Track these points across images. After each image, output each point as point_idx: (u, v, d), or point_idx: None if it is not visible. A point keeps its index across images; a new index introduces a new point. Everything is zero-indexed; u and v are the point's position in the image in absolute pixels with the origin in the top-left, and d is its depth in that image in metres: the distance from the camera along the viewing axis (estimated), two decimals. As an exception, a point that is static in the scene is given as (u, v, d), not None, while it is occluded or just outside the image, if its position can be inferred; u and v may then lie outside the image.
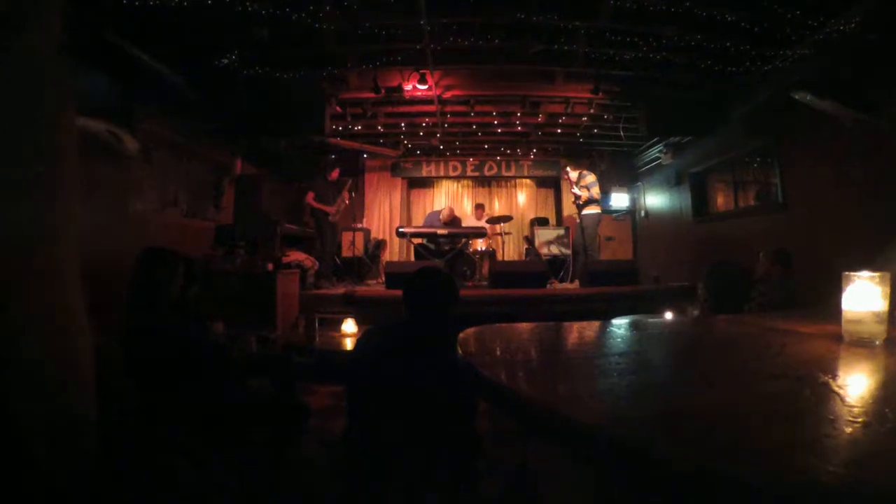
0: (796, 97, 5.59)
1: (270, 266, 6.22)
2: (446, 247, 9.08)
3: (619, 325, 2.12)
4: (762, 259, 4.39)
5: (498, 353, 1.45)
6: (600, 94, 7.63)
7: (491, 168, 12.09)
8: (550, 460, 2.21)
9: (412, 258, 9.87)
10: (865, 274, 1.29)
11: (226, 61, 6.13)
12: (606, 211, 10.28)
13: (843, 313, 1.33)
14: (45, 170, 1.38)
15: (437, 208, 9.72)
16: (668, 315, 4.77)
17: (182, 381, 2.55)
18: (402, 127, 9.71)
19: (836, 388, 0.93)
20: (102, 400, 1.53)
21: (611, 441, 0.73)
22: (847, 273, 1.32)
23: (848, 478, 0.57)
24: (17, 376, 1.31)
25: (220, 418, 2.58)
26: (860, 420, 0.74)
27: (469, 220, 10.57)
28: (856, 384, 1.03)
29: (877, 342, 1.27)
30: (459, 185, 12.93)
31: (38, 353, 1.37)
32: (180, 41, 5.55)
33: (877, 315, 1.27)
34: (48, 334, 1.40)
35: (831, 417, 0.77)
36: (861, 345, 1.28)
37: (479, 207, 10.60)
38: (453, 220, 9.71)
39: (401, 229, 8.90)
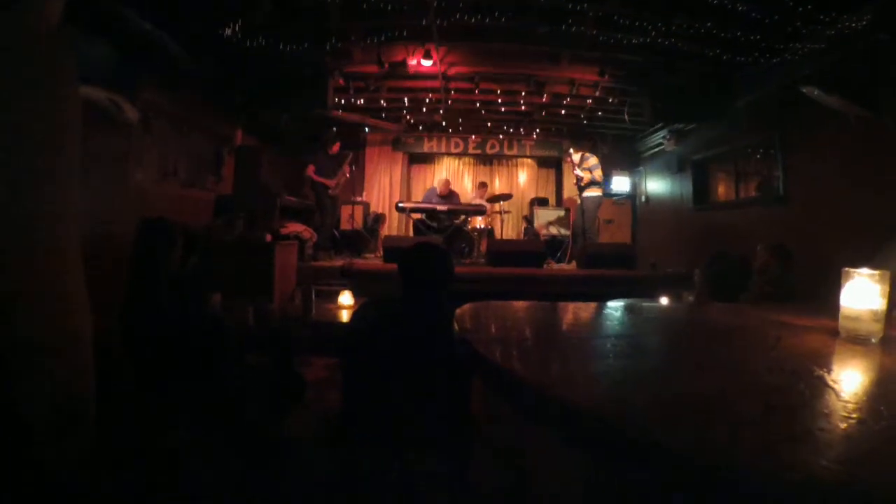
0: (804, 91, 5.55)
1: (269, 237, 6.22)
2: (445, 223, 9.07)
3: (615, 307, 2.12)
4: (760, 251, 4.40)
5: (493, 330, 1.46)
6: (606, 77, 7.58)
7: (493, 146, 12.01)
8: (543, 442, 2.23)
9: (411, 233, 9.86)
10: (865, 271, 1.29)
11: (228, 32, 6.05)
12: (607, 194, 10.24)
13: (841, 309, 1.33)
14: (49, 148, 1.37)
15: (438, 187, 9.68)
16: (664, 300, 4.78)
17: (180, 357, 2.55)
18: (404, 102, 9.60)
19: (832, 383, 0.93)
20: (101, 378, 1.53)
21: (605, 425, 0.73)
22: (847, 269, 1.32)
23: (841, 473, 0.58)
24: (18, 359, 1.31)
25: (218, 394, 2.58)
26: (854, 416, 0.74)
27: (470, 196, 10.53)
28: (851, 380, 1.04)
29: (873, 340, 1.27)
30: (461, 162, 12.83)
31: (39, 335, 1.36)
32: (183, 11, 5.47)
33: (874, 313, 1.27)
34: (49, 316, 1.39)
35: (826, 412, 0.78)
36: (857, 341, 1.28)
37: (482, 186, 10.53)
38: (450, 194, 9.68)
39: (400, 204, 8.89)
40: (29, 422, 1.31)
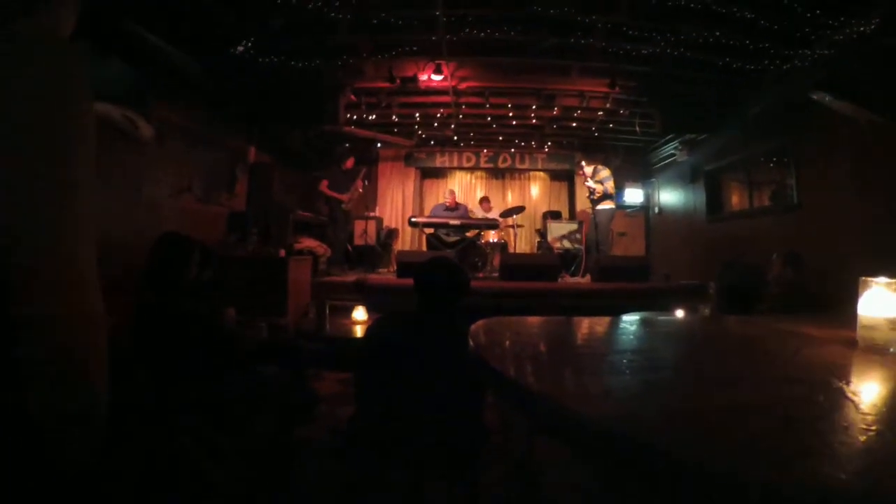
0: (814, 97, 5.54)
1: (282, 252, 6.25)
2: (458, 237, 9.08)
3: (630, 321, 2.11)
4: (775, 260, 4.37)
5: (507, 345, 1.45)
6: (616, 88, 7.57)
7: (505, 160, 12.05)
8: (556, 456, 2.21)
9: (424, 248, 9.87)
10: (883, 280, 1.27)
11: (241, 49, 6.13)
12: (620, 206, 10.23)
13: (859, 318, 1.31)
14: (65, 159, 1.38)
15: (444, 200, 9.74)
16: (679, 313, 4.75)
17: (193, 366, 2.57)
18: (416, 117, 9.69)
19: (851, 395, 0.92)
20: (115, 384, 1.54)
21: (620, 440, 0.72)
22: (864, 278, 1.30)
23: (861, 487, 0.57)
24: (33, 369, 1.32)
25: (230, 404, 2.59)
26: (874, 428, 0.73)
27: (475, 213, 10.57)
28: (870, 391, 1.02)
29: (892, 349, 1.25)
30: (473, 177, 12.86)
31: (55, 346, 1.37)
32: (196, 29, 5.55)
33: (892, 322, 1.25)
34: (67, 329, 1.40)
35: (845, 425, 0.76)
36: (876, 351, 1.26)
37: (484, 201, 10.52)
38: (458, 206, 9.73)
39: (413, 219, 8.90)
40: (42, 433, 1.31)
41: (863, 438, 0.69)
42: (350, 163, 8.80)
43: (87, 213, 1.46)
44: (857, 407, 0.84)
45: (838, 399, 0.90)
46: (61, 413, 1.38)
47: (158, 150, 5.63)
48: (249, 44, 6.12)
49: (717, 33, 5.90)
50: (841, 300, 1.63)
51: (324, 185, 8.28)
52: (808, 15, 5.15)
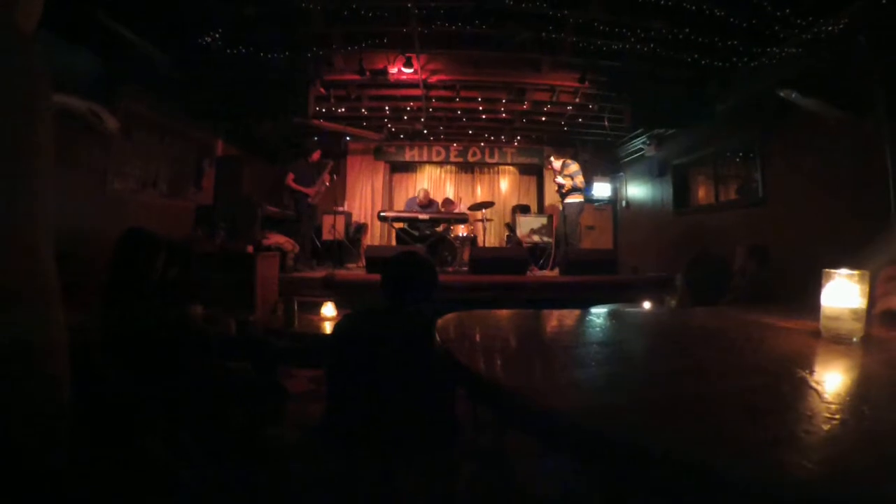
0: (781, 94, 5.63)
1: (250, 248, 6.17)
2: (427, 231, 9.08)
3: (598, 314, 2.13)
4: (739, 253, 4.43)
5: (476, 339, 1.45)
6: (586, 83, 7.63)
7: (475, 154, 12.08)
8: (528, 448, 2.22)
9: (393, 242, 9.84)
10: (845, 271, 1.30)
11: (209, 40, 6.02)
12: (588, 200, 10.31)
13: (822, 309, 1.34)
14: (23, 150, 1.34)
15: (417, 196, 9.72)
16: (647, 305, 4.81)
17: (161, 365, 2.53)
18: (386, 110, 9.63)
19: (814, 384, 0.93)
20: (78, 383, 1.50)
21: (589, 431, 0.72)
22: (827, 270, 1.33)
23: (825, 475, 0.57)
24: None
25: (198, 402, 2.56)
26: (837, 417, 0.74)
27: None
28: (833, 381, 1.04)
29: (854, 339, 1.28)
30: (442, 171, 12.86)
31: (14, 339, 1.33)
32: (164, 18, 5.44)
33: (855, 312, 1.28)
34: (25, 320, 1.36)
35: (809, 414, 0.77)
36: (839, 341, 1.29)
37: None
38: (430, 203, 9.72)
39: (382, 213, 8.87)
40: (6, 431, 1.28)
41: (827, 427, 0.70)
42: (316, 156, 8.70)
43: (44, 207, 1.42)
44: (820, 396, 0.85)
45: (802, 388, 0.92)
46: (19, 414, 1.33)
47: (124, 144, 5.52)
48: (218, 34, 6.02)
49: (688, 30, 5.96)
50: (805, 292, 1.66)
51: (290, 179, 8.17)
52: (777, 13, 5.22)
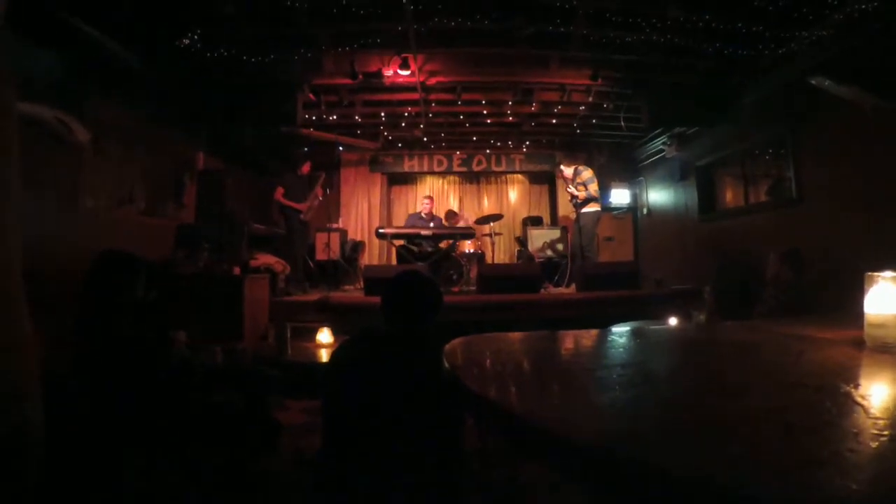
0: (813, 82, 5.60)
1: (237, 270, 6.17)
2: (430, 248, 9.06)
3: (620, 333, 2.12)
4: (772, 260, 4.42)
5: (487, 364, 1.44)
6: (599, 80, 7.63)
7: (480, 162, 12.03)
8: (543, 478, 2.21)
9: (393, 261, 9.80)
10: (889, 274, 1.29)
11: (187, 42, 6.04)
12: (606, 208, 10.29)
13: (866, 317, 1.33)
14: None
15: (419, 208, 9.71)
16: (673, 321, 4.79)
17: (141, 394, 2.53)
18: (381, 117, 9.62)
19: (860, 399, 0.93)
20: (51, 410, 1.50)
21: (612, 459, 0.72)
22: (870, 273, 1.32)
23: (873, 496, 0.57)
24: None
25: (181, 434, 2.56)
26: (886, 434, 0.73)
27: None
28: (880, 394, 1.03)
29: (902, 348, 1.27)
30: (445, 182, 12.84)
31: None
32: (135, 16, 5.43)
33: (902, 319, 1.27)
34: None
35: (854, 431, 0.77)
36: (885, 351, 1.27)
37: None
38: (434, 217, 9.71)
39: (380, 230, 8.84)
40: None
41: (874, 445, 0.70)
42: (307, 168, 8.66)
43: (10, 222, 1.42)
44: (867, 411, 0.85)
45: (846, 404, 0.91)
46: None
47: (95, 156, 5.53)
48: (196, 35, 6.03)
49: (707, 17, 5.95)
50: (845, 299, 1.65)
51: (279, 194, 8.15)
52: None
